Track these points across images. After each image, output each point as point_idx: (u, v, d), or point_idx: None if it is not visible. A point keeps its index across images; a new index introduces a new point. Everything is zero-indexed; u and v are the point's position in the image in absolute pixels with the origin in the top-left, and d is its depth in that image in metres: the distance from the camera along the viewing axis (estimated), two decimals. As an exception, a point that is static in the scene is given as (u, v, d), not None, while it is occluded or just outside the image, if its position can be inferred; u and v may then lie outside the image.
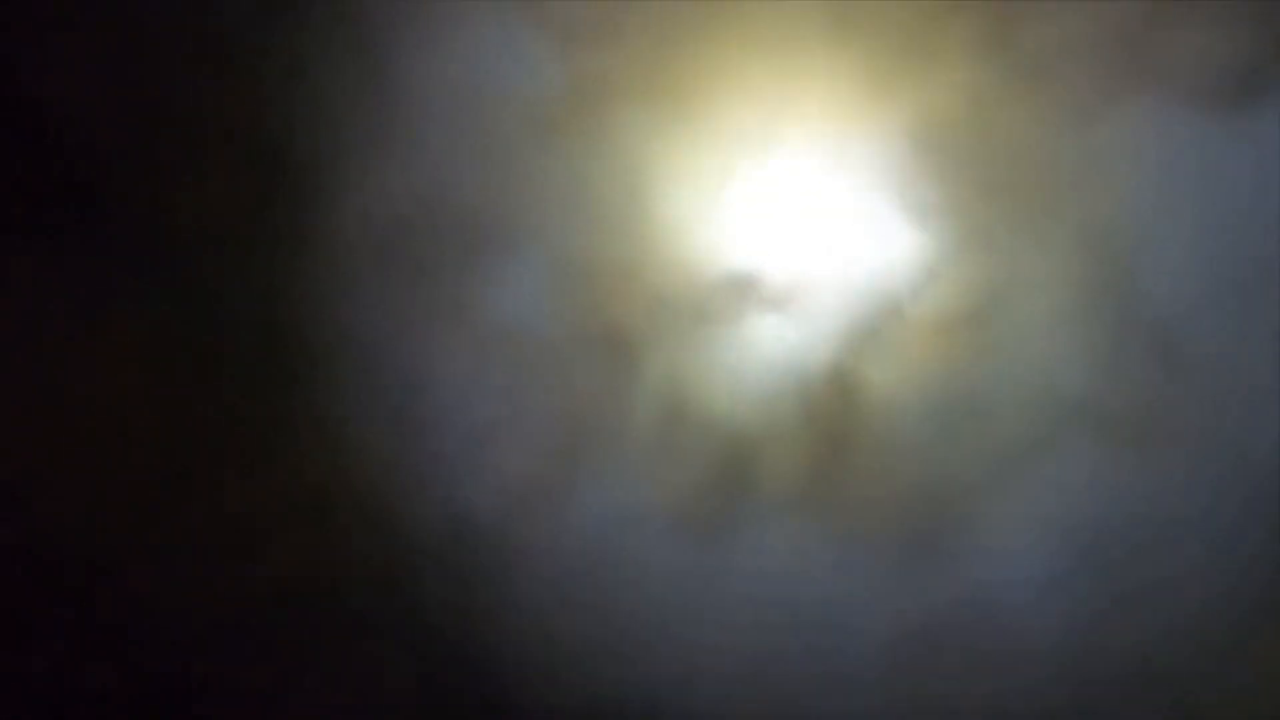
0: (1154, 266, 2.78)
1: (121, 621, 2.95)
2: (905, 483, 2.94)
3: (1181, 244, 2.75)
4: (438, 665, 3.05)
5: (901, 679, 2.99)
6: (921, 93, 2.85)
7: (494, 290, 3.06)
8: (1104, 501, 2.81)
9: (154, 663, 2.98)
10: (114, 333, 3.03)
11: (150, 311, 3.04)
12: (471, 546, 3.11)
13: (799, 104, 2.89)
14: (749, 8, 2.85)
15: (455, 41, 2.95)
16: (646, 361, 3.03)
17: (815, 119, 2.91)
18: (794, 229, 2.97)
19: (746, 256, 2.99)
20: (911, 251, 2.91)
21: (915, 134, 2.87)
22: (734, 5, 2.85)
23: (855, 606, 2.97)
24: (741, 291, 3.00)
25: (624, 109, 2.95)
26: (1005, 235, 2.86)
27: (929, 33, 2.84)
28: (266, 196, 3.03)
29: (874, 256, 2.94)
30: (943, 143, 2.87)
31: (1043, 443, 2.84)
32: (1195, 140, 2.72)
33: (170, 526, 2.99)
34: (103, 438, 2.94)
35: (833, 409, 2.96)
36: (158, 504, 2.98)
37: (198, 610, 2.97)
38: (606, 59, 2.90)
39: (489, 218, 3.04)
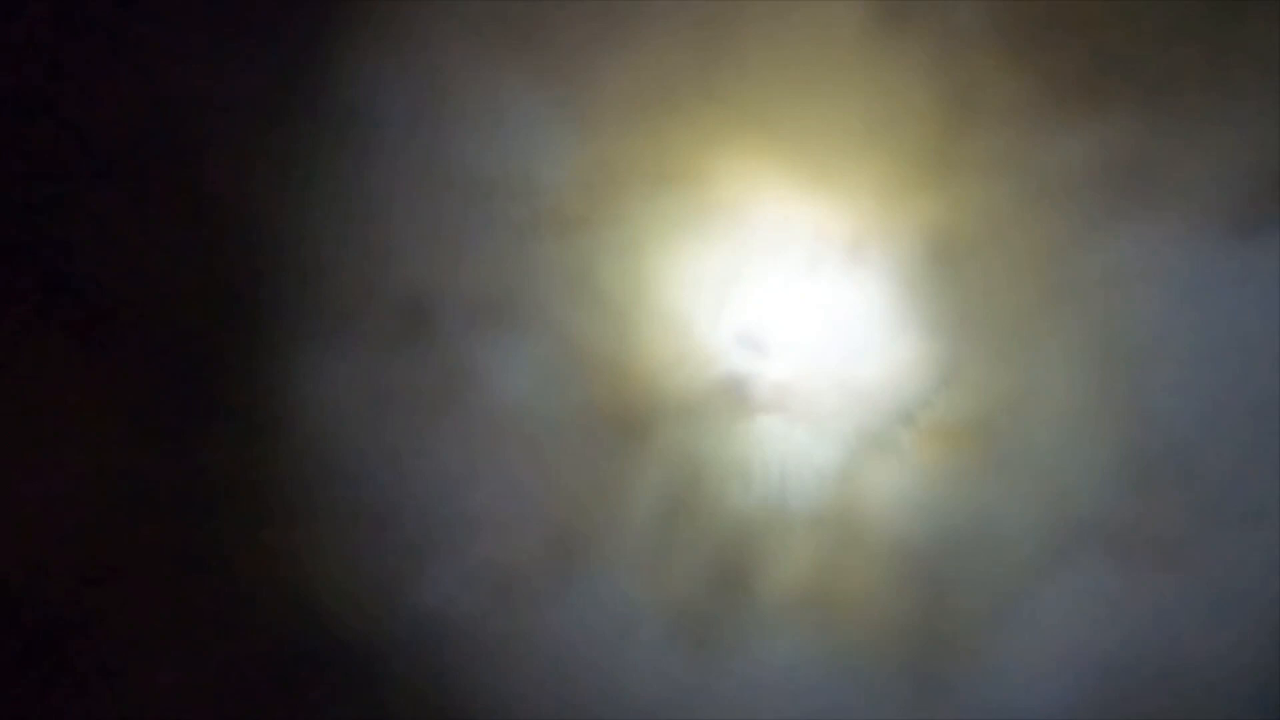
0: (1164, 383, 2.79)
1: (107, 691, 2.78)
2: (909, 595, 2.86)
3: (1191, 361, 2.77)
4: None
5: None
6: (937, 204, 2.89)
7: (491, 373, 2.99)
8: (1115, 622, 2.75)
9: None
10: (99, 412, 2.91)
11: (134, 392, 2.93)
12: (451, 644, 2.96)
13: (814, 205, 2.92)
14: (774, 107, 2.90)
15: (475, 122, 2.95)
16: (647, 453, 2.96)
17: (831, 221, 2.93)
18: (803, 328, 2.95)
19: (753, 353, 2.96)
20: (923, 359, 2.90)
21: (930, 244, 2.90)
22: (759, 104, 2.90)
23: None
24: (747, 388, 2.96)
25: (638, 197, 2.95)
26: (1016, 348, 2.87)
27: (947, 148, 2.90)
28: (262, 274, 2.96)
29: (885, 362, 2.92)
30: (956, 254, 2.90)
31: (1053, 559, 2.79)
32: (1205, 260, 2.77)
33: (148, 606, 2.83)
34: (87, 491, 2.80)
35: (838, 512, 2.89)
36: (136, 580, 2.83)
37: (178, 693, 2.80)
38: (626, 145, 2.92)
39: (490, 299, 2.99)
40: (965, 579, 2.84)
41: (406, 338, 2.97)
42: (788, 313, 2.96)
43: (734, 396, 2.96)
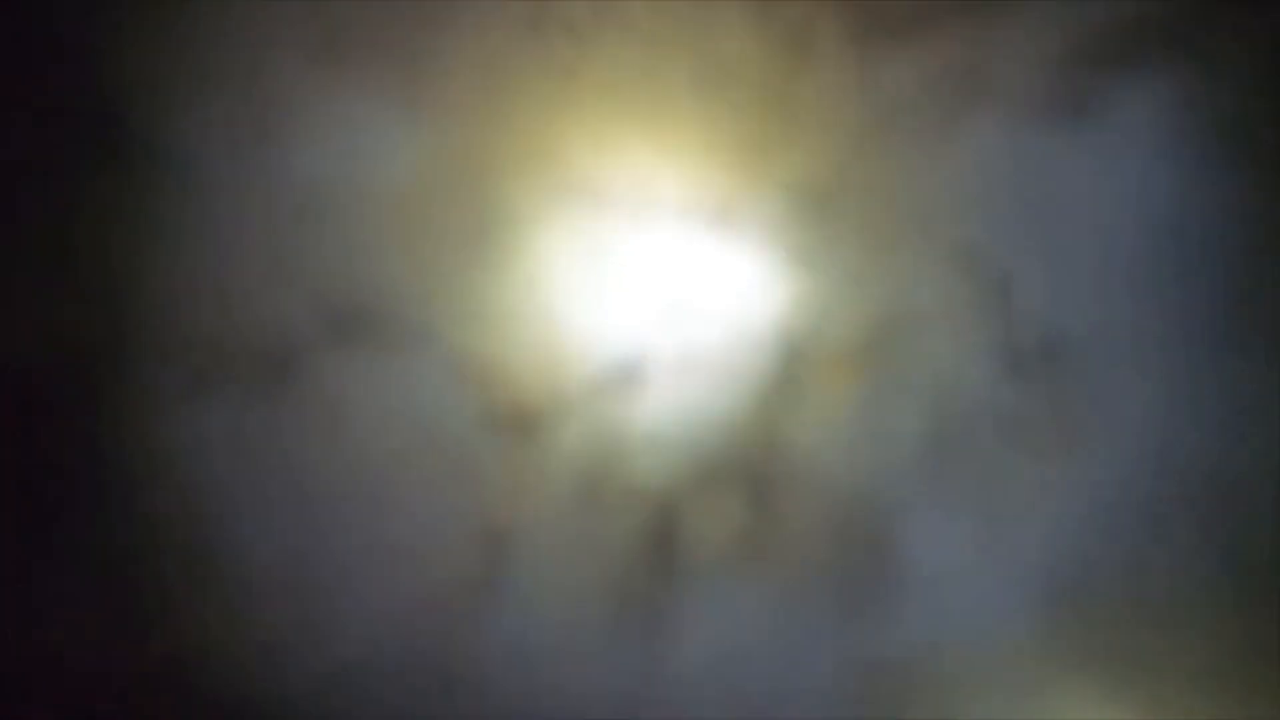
0: (1026, 275, 2.96)
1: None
2: (832, 515, 2.92)
3: (1047, 250, 2.95)
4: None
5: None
6: (790, 143, 2.95)
7: (373, 397, 2.85)
8: (1021, 500, 2.91)
9: None
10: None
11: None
12: (385, 688, 2.81)
13: (674, 168, 2.92)
14: (612, 74, 2.88)
15: (310, 133, 2.79)
16: (552, 446, 2.90)
17: (691, 181, 2.94)
18: (684, 290, 2.96)
19: (641, 323, 2.94)
20: (802, 297, 2.96)
21: (790, 184, 2.96)
22: (598, 73, 2.87)
23: (800, 656, 2.89)
24: (641, 359, 2.94)
25: (491, 185, 2.87)
26: (889, 267, 2.97)
27: (788, 86, 2.96)
28: (127, 310, 2.73)
29: (767, 309, 2.97)
30: (816, 188, 2.97)
31: (959, 454, 2.92)
32: (1039, 147, 2.95)
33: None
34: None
35: (750, 458, 2.92)
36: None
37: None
38: (472, 132, 2.83)
39: (355, 320, 2.85)
40: (877, 494, 2.93)
41: (276, 377, 2.78)
42: (664, 280, 2.95)
43: (628, 369, 2.93)
